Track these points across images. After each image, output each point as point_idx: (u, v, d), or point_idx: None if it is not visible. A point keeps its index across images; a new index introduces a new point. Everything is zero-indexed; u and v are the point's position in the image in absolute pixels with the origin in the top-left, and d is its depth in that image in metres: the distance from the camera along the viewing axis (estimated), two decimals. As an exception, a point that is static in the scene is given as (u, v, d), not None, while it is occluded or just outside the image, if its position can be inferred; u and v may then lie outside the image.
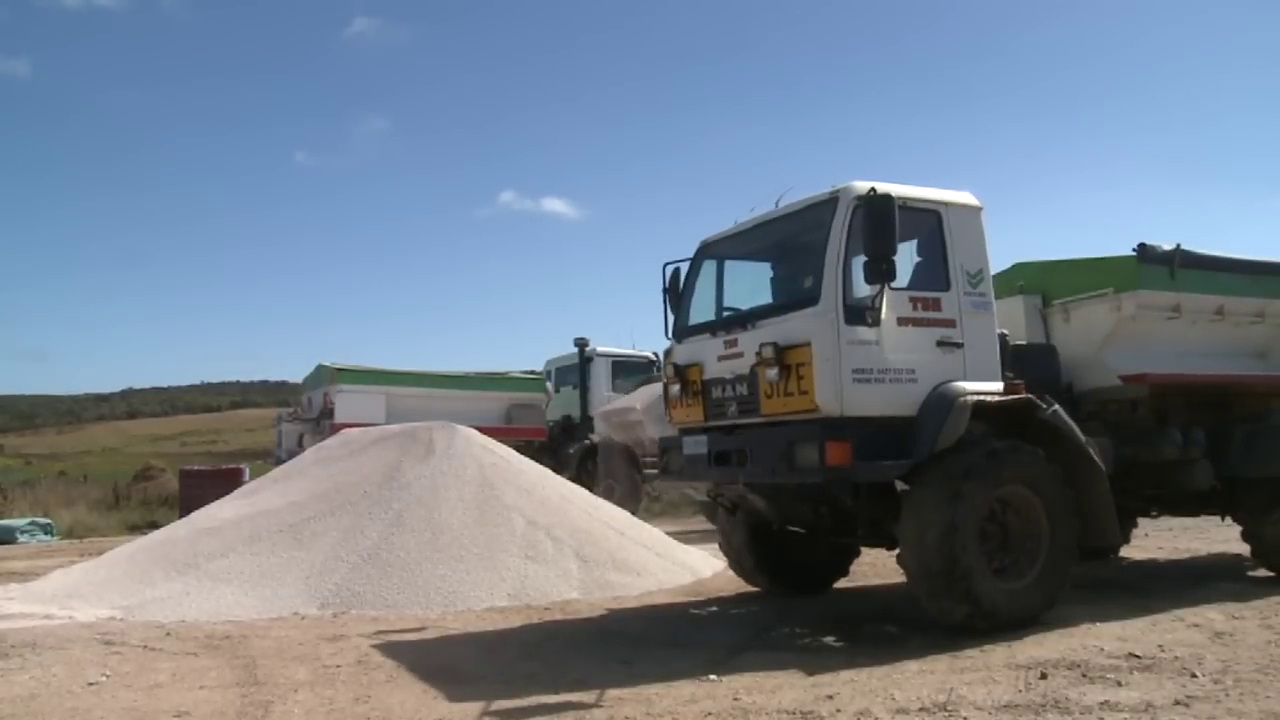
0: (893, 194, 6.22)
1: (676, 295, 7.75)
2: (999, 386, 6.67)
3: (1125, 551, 9.94)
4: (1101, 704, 4.60)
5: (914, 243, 6.90)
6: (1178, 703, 4.62)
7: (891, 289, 6.31)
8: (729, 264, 7.74)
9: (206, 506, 10.50)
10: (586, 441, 17.42)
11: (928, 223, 6.74)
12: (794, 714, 4.62)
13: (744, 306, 7.30)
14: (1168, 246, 8.01)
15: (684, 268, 7.76)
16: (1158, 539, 11.56)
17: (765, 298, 7.45)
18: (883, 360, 6.30)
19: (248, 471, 18.80)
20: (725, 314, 7.36)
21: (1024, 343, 7.91)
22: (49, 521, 17.78)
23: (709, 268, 7.69)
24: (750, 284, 7.70)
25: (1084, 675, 5.14)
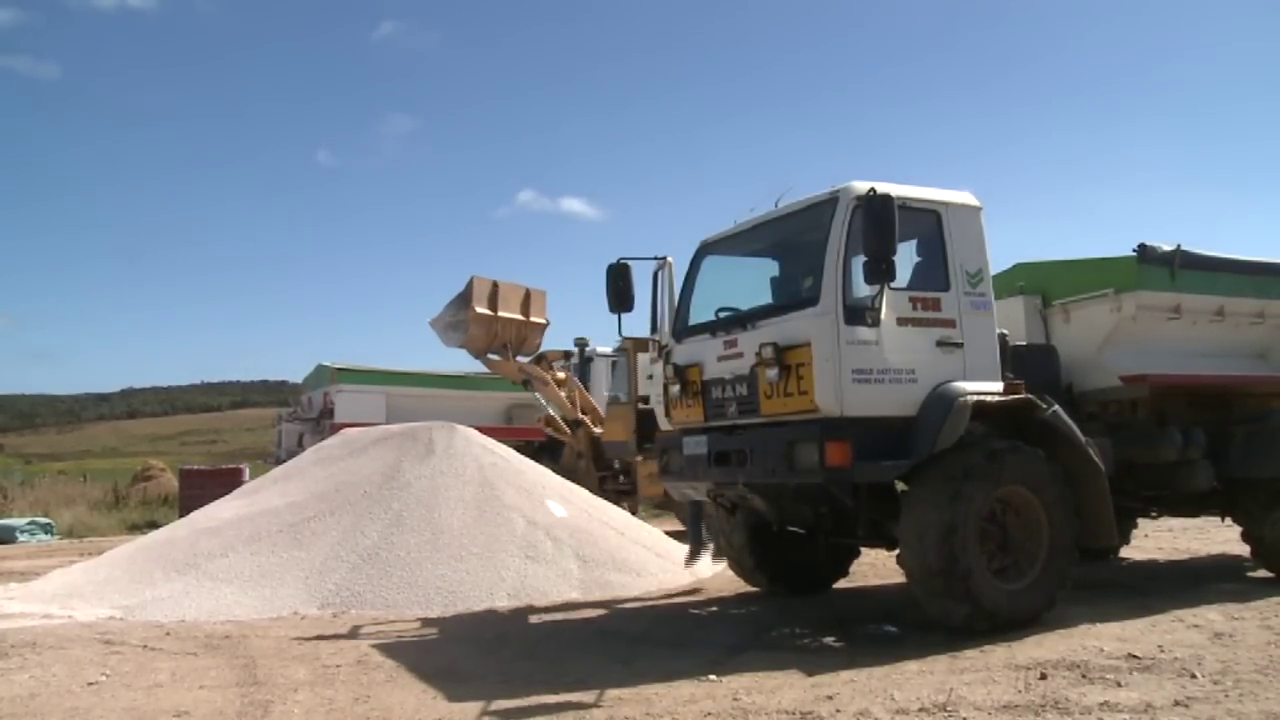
0: (892, 194, 6.20)
1: (627, 294, 7.62)
2: (999, 387, 6.66)
3: (1125, 552, 9.96)
4: (1101, 704, 4.60)
5: (914, 243, 6.90)
6: (1177, 703, 4.62)
7: (891, 289, 6.30)
8: (728, 264, 7.74)
9: (206, 506, 10.48)
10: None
11: (927, 223, 6.73)
12: (794, 714, 4.62)
13: (744, 307, 7.30)
14: (1168, 247, 8.01)
15: (634, 265, 7.67)
16: (1158, 539, 11.55)
17: (765, 298, 7.45)
18: (882, 360, 6.30)
19: (247, 471, 18.77)
20: (724, 314, 7.35)
21: (1024, 343, 7.91)
22: (49, 521, 17.77)
23: (709, 267, 7.69)
24: (750, 284, 7.70)
25: (1084, 676, 5.14)
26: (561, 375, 14.42)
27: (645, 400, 14.28)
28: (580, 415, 14.42)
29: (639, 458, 13.39)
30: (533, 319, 14.01)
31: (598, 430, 14.35)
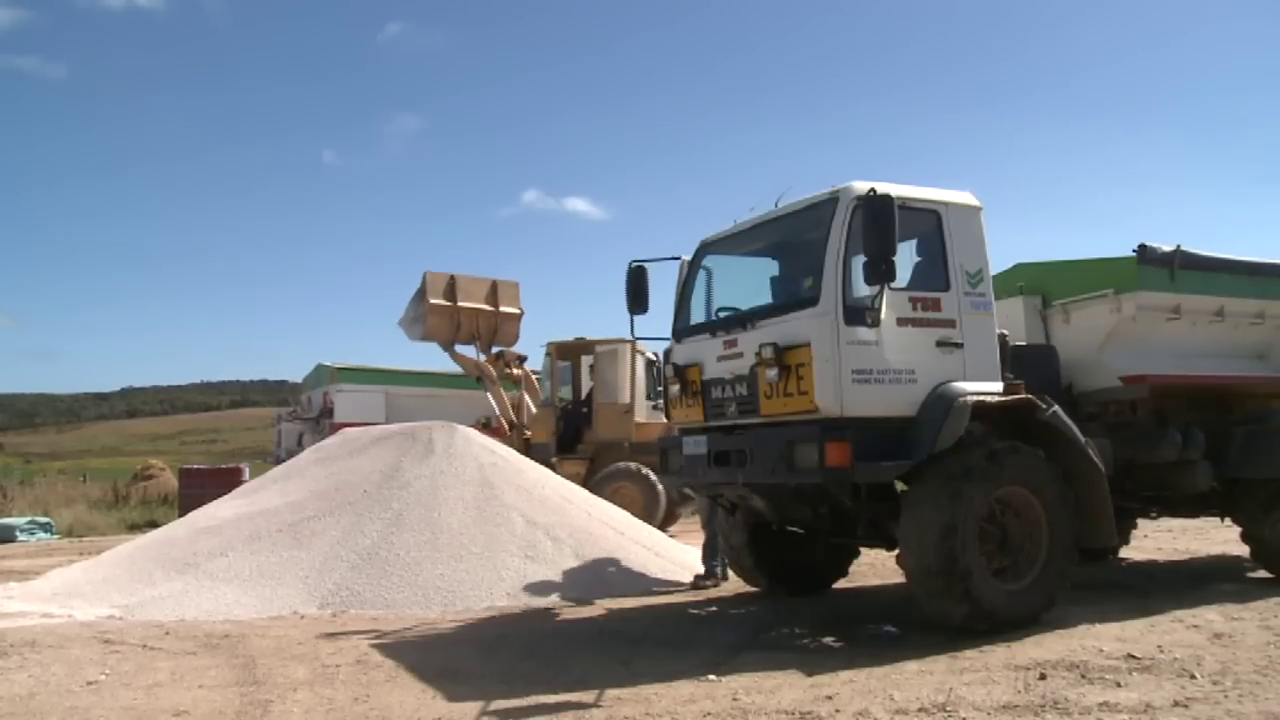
0: (892, 194, 6.20)
1: (643, 296, 7.74)
2: (999, 387, 6.66)
3: (1125, 552, 9.96)
4: (1100, 705, 4.60)
5: (914, 243, 6.90)
6: (1176, 704, 4.62)
7: (891, 289, 6.29)
8: (728, 264, 7.74)
9: (206, 506, 10.49)
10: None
11: (927, 223, 6.73)
12: (793, 714, 4.62)
13: (743, 306, 7.30)
14: (1168, 247, 8.01)
15: (650, 267, 7.76)
16: (1157, 540, 11.55)
17: (765, 298, 7.45)
18: (882, 361, 6.29)
19: (247, 471, 18.79)
20: (724, 314, 7.35)
21: (1024, 343, 7.91)
22: (49, 520, 17.78)
23: (709, 267, 7.68)
24: (750, 284, 7.69)
25: (1083, 676, 5.14)
26: (518, 373, 14.56)
27: (583, 403, 14.54)
28: (526, 416, 14.59)
29: (554, 459, 13.55)
30: (504, 309, 14.10)
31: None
